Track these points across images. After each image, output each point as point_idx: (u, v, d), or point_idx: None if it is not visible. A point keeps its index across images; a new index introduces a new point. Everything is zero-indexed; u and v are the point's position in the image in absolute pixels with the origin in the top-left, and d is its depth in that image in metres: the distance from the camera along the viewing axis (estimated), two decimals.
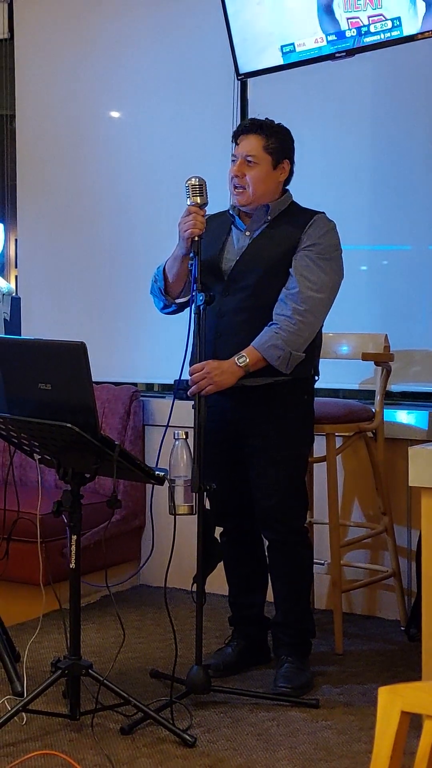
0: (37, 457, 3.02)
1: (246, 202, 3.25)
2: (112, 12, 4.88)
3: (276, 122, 3.28)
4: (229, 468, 3.28)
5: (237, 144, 3.27)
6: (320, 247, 3.19)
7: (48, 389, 2.82)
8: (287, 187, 3.32)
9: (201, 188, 3.13)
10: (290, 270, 3.17)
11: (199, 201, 3.12)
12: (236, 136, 3.28)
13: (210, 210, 3.18)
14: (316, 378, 3.33)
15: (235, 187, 3.24)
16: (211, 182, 3.19)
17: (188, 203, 3.14)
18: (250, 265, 3.21)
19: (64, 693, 3.00)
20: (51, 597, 3.20)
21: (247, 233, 3.28)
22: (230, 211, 3.34)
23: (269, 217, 3.25)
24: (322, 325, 3.28)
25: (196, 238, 3.10)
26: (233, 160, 3.26)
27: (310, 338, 3.19)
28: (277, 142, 3.24)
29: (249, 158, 3.22)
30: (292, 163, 3.29)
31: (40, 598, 3.27)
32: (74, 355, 2.74)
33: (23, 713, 2.91)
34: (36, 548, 3.39)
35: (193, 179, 3.13)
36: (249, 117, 4.31)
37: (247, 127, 3.28)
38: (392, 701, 1.39)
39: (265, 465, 3.21)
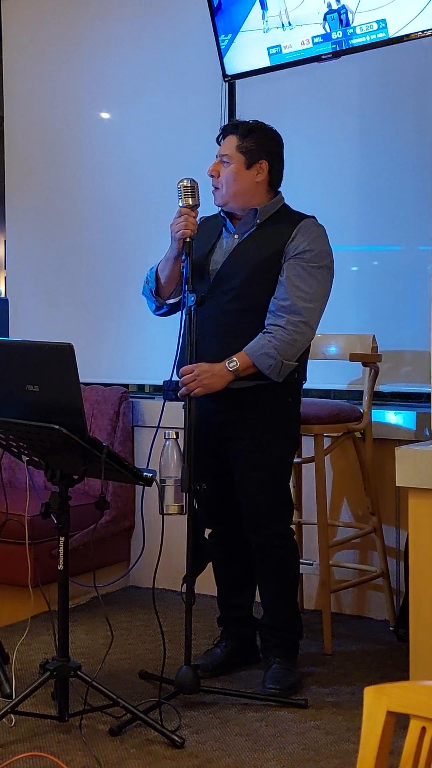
0: (25, 458, 3.02)
1: (221, 202, 3.27)
2: (100, 14, 4.88)
3: (261, 123, 3.28)
4: (216, 470, 3.27)
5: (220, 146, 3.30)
6: (311, 254, 3.18)
7: (36, 391, 2.82)
8: (280, 190, 3.32)
9: (193, 190, 3.13)
10: (280, 278, 3.16)
11: (190, 202, 3.13)
12: (219, 138, 3.31)
13: (200, 212, 3.19)
14: (303, 382, 3.33)
15: (212, 187, 3.27)
16: (201, 184, 3.20)
17: (180, 204, 3.14)
18: (236, 268, 3.21)
19: (53, 694, 3.00)
20: (40, 598, 3.20)
21: (236, 236, 3.28)
22: (221, 214, 3.34)
23: (258, 221, 3.26)
24: None
25: (188, 239, 3.11)
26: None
27: (304, 348, 3.19)
28: (253, 141, 3.23)
29: (223, 158, 3.24)
30: (273, 163, 3.26)
31: (29, 599, 3.28)
32: (62, 356, 2.74)
33: (12, 715, 2.91)
34: (24, 550, 3.39)
35: (185, 181, 3.14)
36: (237, 118, 4.33)
37: (226, 127, 3.31)
38: (378, 701, 1.40)
39: (250, 468, 3.21)
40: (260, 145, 3.23)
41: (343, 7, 3.25)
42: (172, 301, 3.32)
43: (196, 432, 3.03)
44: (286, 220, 3.25)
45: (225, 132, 3.29)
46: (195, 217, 3.15)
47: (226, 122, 4.31)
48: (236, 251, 3.25)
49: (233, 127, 3.28)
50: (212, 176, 3.25)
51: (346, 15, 3.25)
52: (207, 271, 3.24)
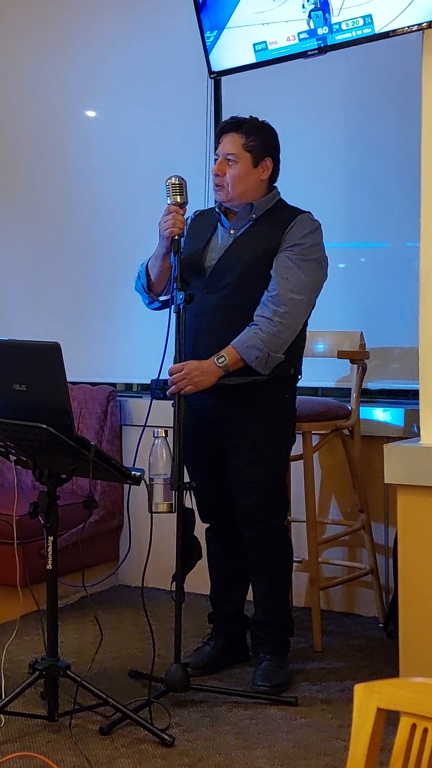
0: (13, 458, 3.01)
1: (225, 198, 3.26)
2: (85, 11, 4.86)
3: (259, 119, 3.28)
4: (211, 466, 3.28)
5: (220, 143, 3.28)
6: (301, 248, 3.18)
7: (23, 390, 2.81)
8: (276, 185, 3.32)
9: (181, 187, 3.13)
10: (271, 271, 3.17)
11: (179, 200, 3.13)
12: (219, 135, 3.29)
13: (188, 209, 3.19)
14: (299, 377, 3.33)
15: (216, 185, 3.25)
16: (188, 181, 3.19)
17: (168, 202, 3.14)
18: (231, 264, 3.21)
19: (42, 694, 2.99)
20: (29, 598, 3.18)
21: (231, 231, 3.28)
22: (216, 209, 3.34)
23: (253, 216, 3.26)
24: (307, 324, 3.28)
25: (176, 237, 3.10)
26: (216, 159, 3.28)
27: (290, 340, 3.18)
28: (258, 139, 3.24)
29: (229, 156, 3.23)
30: (275, 160, 3.29)
31: (18, 599, 3.26)
32: (49, 355, 2.73)
33: (1, 715, 2.91)
34: (13, 550, 3.37)
35: (174, 178, 3.13)
36: (223, 115, 4.32)
37: (228, 125, 3.29)
38: (368, 698, 1.40)
39: (245, 464, 3.21)
40: (265, 142, 3.26)
41: (328, 2, 3.25)
42: (164, 297, 3.32)
43: (188, 429, 3.03)
44: (282, 215, 3.26)
45: (225, 129, 3.27)
46: (183, 215, 3.14)
47: (213, 119, 4.31)
48: (232, 247, 3.25)
49: (236, 125, 3.26)
50: (217, 175, 3.24)
51: (332, 10, 3.24)
52: (203, 267, 3.24)
